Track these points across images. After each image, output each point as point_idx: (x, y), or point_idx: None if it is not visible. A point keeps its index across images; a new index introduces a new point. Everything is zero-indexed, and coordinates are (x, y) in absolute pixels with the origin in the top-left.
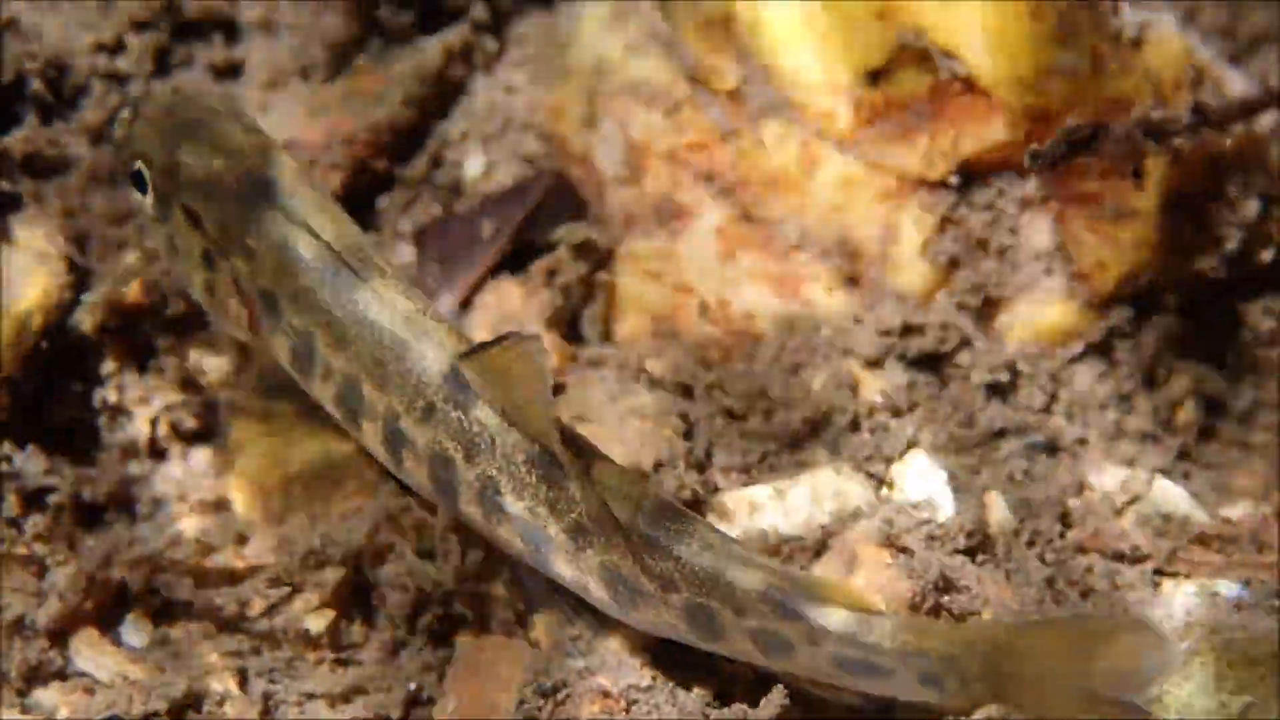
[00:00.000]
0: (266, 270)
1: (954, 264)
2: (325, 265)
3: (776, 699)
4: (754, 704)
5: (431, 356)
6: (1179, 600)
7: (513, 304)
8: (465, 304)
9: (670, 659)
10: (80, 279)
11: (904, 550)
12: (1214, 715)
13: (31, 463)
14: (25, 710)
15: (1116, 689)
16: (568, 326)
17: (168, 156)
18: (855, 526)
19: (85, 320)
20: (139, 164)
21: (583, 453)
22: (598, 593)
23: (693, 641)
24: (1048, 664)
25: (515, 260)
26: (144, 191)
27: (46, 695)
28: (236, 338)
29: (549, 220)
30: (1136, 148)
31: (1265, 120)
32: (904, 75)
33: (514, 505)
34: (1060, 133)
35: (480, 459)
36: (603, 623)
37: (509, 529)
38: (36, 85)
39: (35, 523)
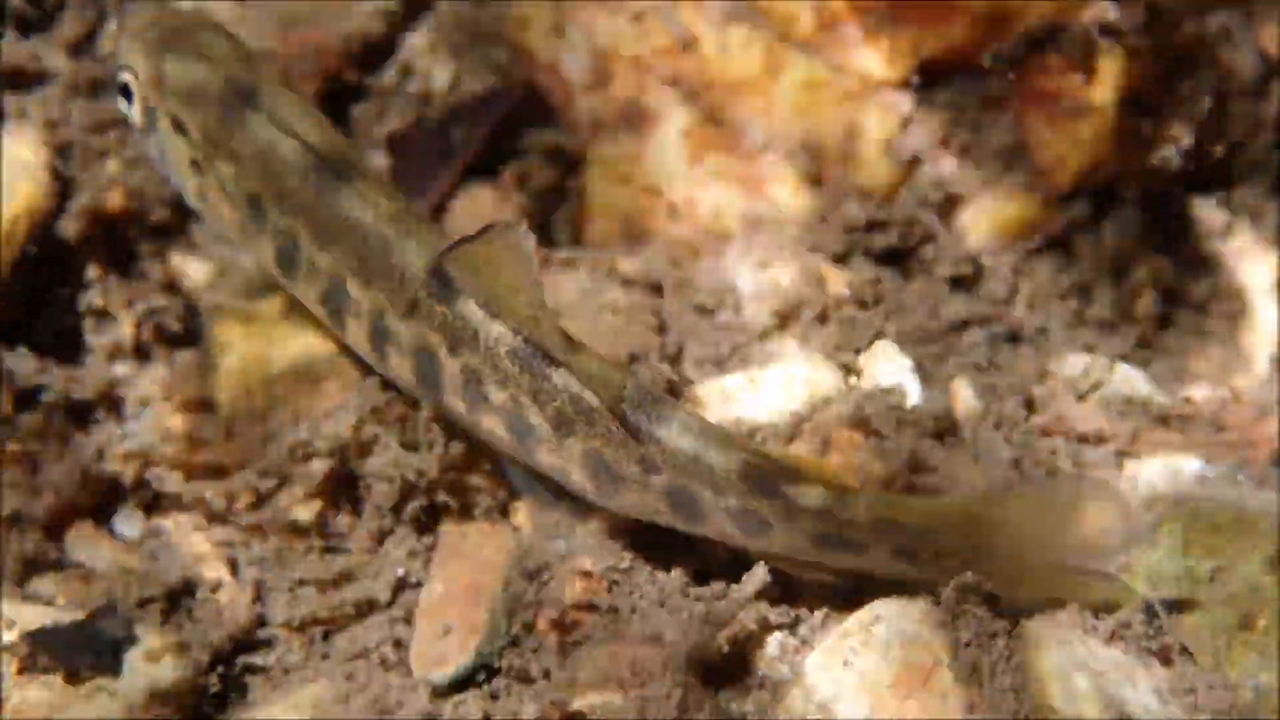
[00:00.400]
0: (252, 174)
1: (916, 162)
2: (309, 167)
3: (759, 574)
4: (732, 583)
5: (415, 253)
6: (1143, 476)
7: (485, 208)
8: (438, 210)
9: (649, 542)
10: (64, 188)
11: (875, 433)
12: (1183, 578)
13: (23, 363)
14: (25, 600)
15: (1086, 557)
16: (539, 230)
17: (153, 68)
18: (827, 411)
19: (70, 227)
20: (125, 76)
21: (564, 342)
22: (580, 479)
23: (674, 523)
24: (1019, 535)
25: (487, 167)
26: (130, 102)
27: (44, 585)
28: (227, 240)
29: (519, 127)
30: (1092, 46)
31: (1216, 19)
32: None
33: (497, 396)
34: (1019, 34)
35: (464, 351)
36: (583, 508)
37: (493, 420)
38: (15, 0)
39: (28, 420)
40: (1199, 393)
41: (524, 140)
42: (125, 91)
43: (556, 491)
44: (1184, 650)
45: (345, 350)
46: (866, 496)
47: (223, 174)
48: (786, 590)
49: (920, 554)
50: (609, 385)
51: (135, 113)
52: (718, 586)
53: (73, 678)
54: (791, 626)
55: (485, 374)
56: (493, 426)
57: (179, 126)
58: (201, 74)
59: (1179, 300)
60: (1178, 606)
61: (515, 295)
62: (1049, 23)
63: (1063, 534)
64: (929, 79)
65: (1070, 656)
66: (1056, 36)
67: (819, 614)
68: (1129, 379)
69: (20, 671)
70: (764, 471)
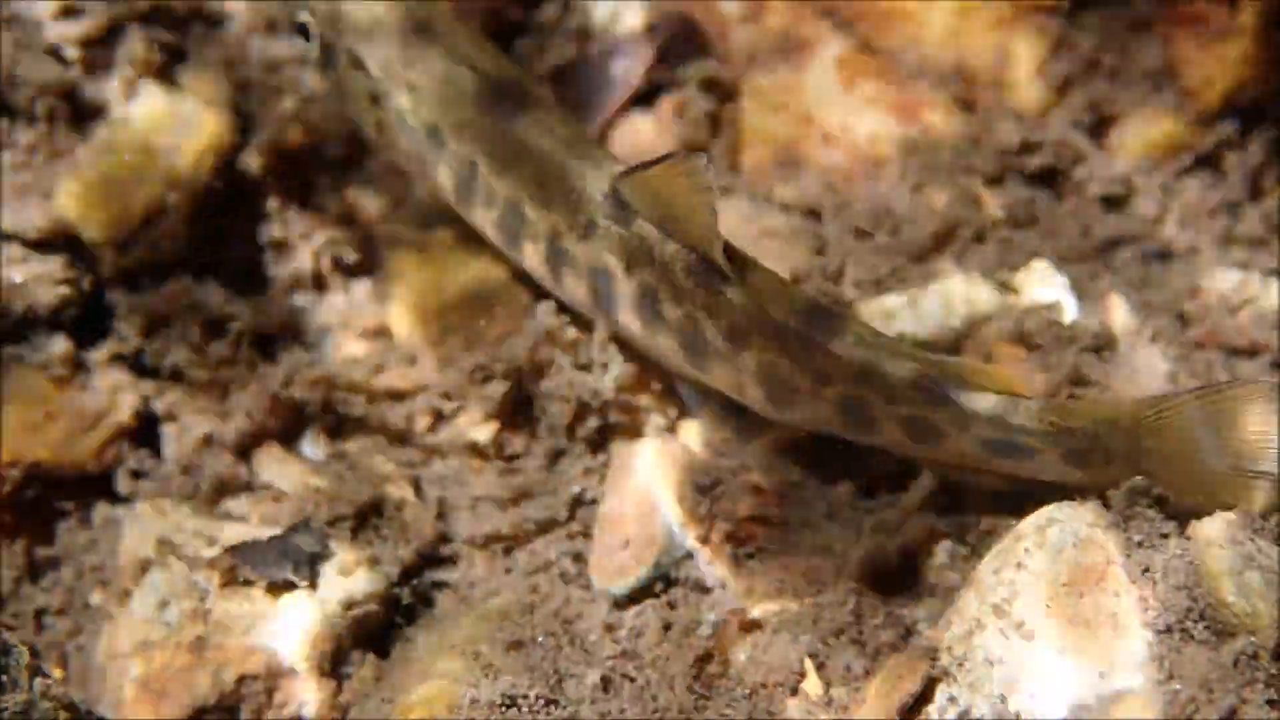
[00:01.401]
0: (430, 104)
1: (1067, 84)
2: (486, 96)
3: (925, 483)
4: (900, 490)
5: (591, 176)
6: None
7: (646, 138)
8: (600, 140)
9: (818, 457)
10: (245, 123)
11: (1036, 347)
12: None
13: (211, 295)
14: (221, 518)
15: (1252, 460)
16: None
17: (331, 6)
18: (988, 327)
19: (253, 161)
20: (303, 15)
21: (736, 259)
22: (754, 392)
23: (846, 433)
24: (1187, 436)
25: (646, 98)
26: (309, 40)
27: (237, 505)
28: (404, 169)
29: (676, 60)
30: None
31: None
32: None
33: (672, 312)
34: None
35: (640, 270)
36: (752, 426)
37: (668, 335)
38: None
39: (217, 349)
40: None
41: (681, 71)
42: (303, 30)
43: (726, 408)
44: None
45: (517, 277)
46: (1037, 402)
47: (401, 106)
48: (954, 499)
49: (1090, 458)
50: (781, 300)
51: (314, 50)
52: (886, 499)
53: (273, 589)
54: (959, 535)
55: (661, 291)
56: (668, 342)
57: (357, 62)
58: (378, 10)
59: None
60: None
61: (690, 219)
62: None
63: (1227, 438)
64: (1078, 2)
65: (1241, 553)
66: None
67: (986, 522)
68: None
69: (224, 585)
70: (936, 379)
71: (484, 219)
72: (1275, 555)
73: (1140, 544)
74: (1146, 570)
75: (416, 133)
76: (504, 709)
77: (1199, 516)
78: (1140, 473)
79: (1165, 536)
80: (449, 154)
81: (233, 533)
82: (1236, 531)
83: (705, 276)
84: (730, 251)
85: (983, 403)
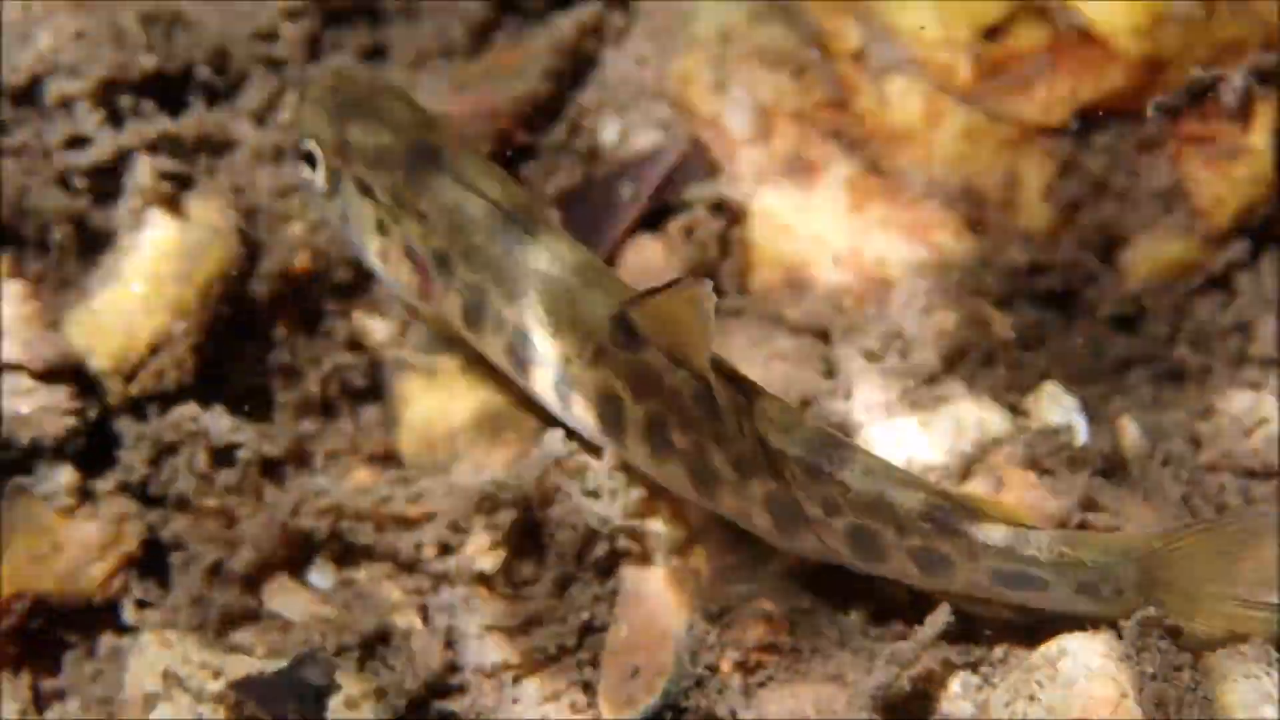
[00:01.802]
0: (439, 231)
1: (1076, 205)
2: (495, 223)
3: (943, 615)
4: (910, 625)
5: (600, 303)
6: None
7: (654, 260)
8: (609, 263)
9: (829, 584)
10: (252, 250)
11: (1047, 472)
12: None
13: (219, 421)
14: (228, 650)
15: (1263, 589)
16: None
17: (337, 134)
18: (998, 452)
19: (260, 288)
20: (310, 143)
21: (744, 389)
22: (761, 521)
23: (854, 564)
24: (1199, 568)
25: (654, 220)
26: (315, 168)
27: (244, 636)
28: (408, 300)
29: (684, 181)
30: (1251, 94)
31: None
32: (1021, 29)
33: (680, 440)
34: (1185, 83)
35: (648, 397)
36: (761, 552)
37: (674, 464)
38: (203, 73)
39: (225, 477)
40: None
41: (689, 193)
42: (309, 158)
43: (736, 535)
44: None
45: (523, 403)
46: (1048, 533)
47: (410, 233)
48: (967, 629)
49: (1101, 589)
50: (790, 428)
51: (320, 178)
52: (898, 628)
53: None
54: (974, 665)
55: (669, 419)
56: (674, 471)
57: (365, 189)
58: (386, 138)
59: None
60: None
61: (696, 345)
62: (1212, 74)
63: (1241, 568)
64: (1086, 124)
65: (1256, 689)
66: (1218, 85)
67: (999, 650)
68: None
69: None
70: (946, 510)
71: (493, 345)
72: None
73: (1153, 676)
74: (1160, 704)
75: (426, 260)
76: None
77: (1212, 649)
78: (1151, 603)
79: (1179, 669)
80: (458, 281)
81: (238, 665)
82: (1251, 666)
83: (711, 406)
84: (738, 380)
85: (994, 534)
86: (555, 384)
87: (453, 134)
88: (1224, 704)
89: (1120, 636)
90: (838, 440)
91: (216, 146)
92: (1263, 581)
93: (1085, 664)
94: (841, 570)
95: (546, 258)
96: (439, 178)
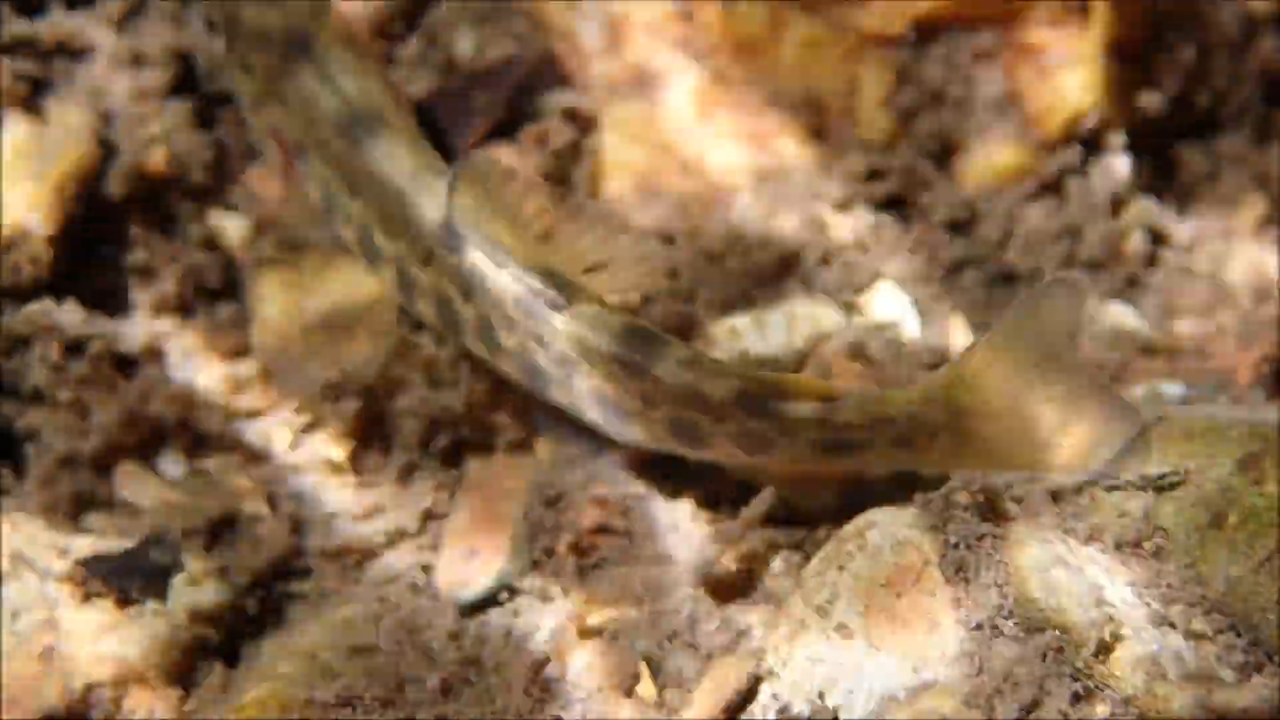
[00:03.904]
0: (298, 121)
1: (913, 114)
2: (343, 120)
3: (767, 497)
4: (741, 504)
5: (430, 206)
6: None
7: None
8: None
9: (663, 471)
10: (108, 152)
11: (874, 363)
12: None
13: (70, 315)
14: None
15: (1066, 354)
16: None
17: (233, 9)
18: (829, 344)
19: (115, 186)
20: (213, 11)
21: (567, 287)
22: (591, 414)
23: (680, 450)
24: (998, 371)
25: (508, 130)
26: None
27: (94, 521)
28: (277, 178)
29: (537, 92)
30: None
31: None
32: None
33: (508, 340)
34: None
35: (475, 300)
36: (601, 442)
37: (507, 362)
38: None
39: (77, 369)
40: (1185, 327)
41: (542, 103)
42: (211, 26)
43: (576, 426)
44: (1158, 550)
45: (376, 301)
46: (855, 398)
47: (276, 117)
48: (793, 513)
49: (916, 439)
50: (608, 326)
51: (219, 48)
52: (726, 511)
53: (123, 601)
54: (797, 544)
55: (496, 321)
56: (508, 368)
57: (247, 67)
58: (271, 19)
59: (1166, 241)
60: (1151, 509)
61: (519, 233)
62: None
63: (1035, 351)
64: (922, 35)
65: (1050, 553)
66: None
67: (822, 531)
68: (1118, 314)
69: (74, 596)
70: (757, 394)
71: (347, 235)
72: (1083, 554)
73: (956, 545)
74: (960, 570)
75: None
76: (339, 708)
77: (1011, 517)
78: (966, 444)
79: (980, 538)
80: (314, 171)
81: (86, 546)
82: (1047, 532)
83: (532, 307)
84: (563, 278)
85: (805, 409)
86: (397, 280)
87: (335, 27)
88: (1019, 567)
89: (928, 508)
90: (653, 335)
91: (74, 52)
92: (1056, 348)
93: (892, 534)
94: (675, 458)
95: (387, 159)
96: (305, 67)
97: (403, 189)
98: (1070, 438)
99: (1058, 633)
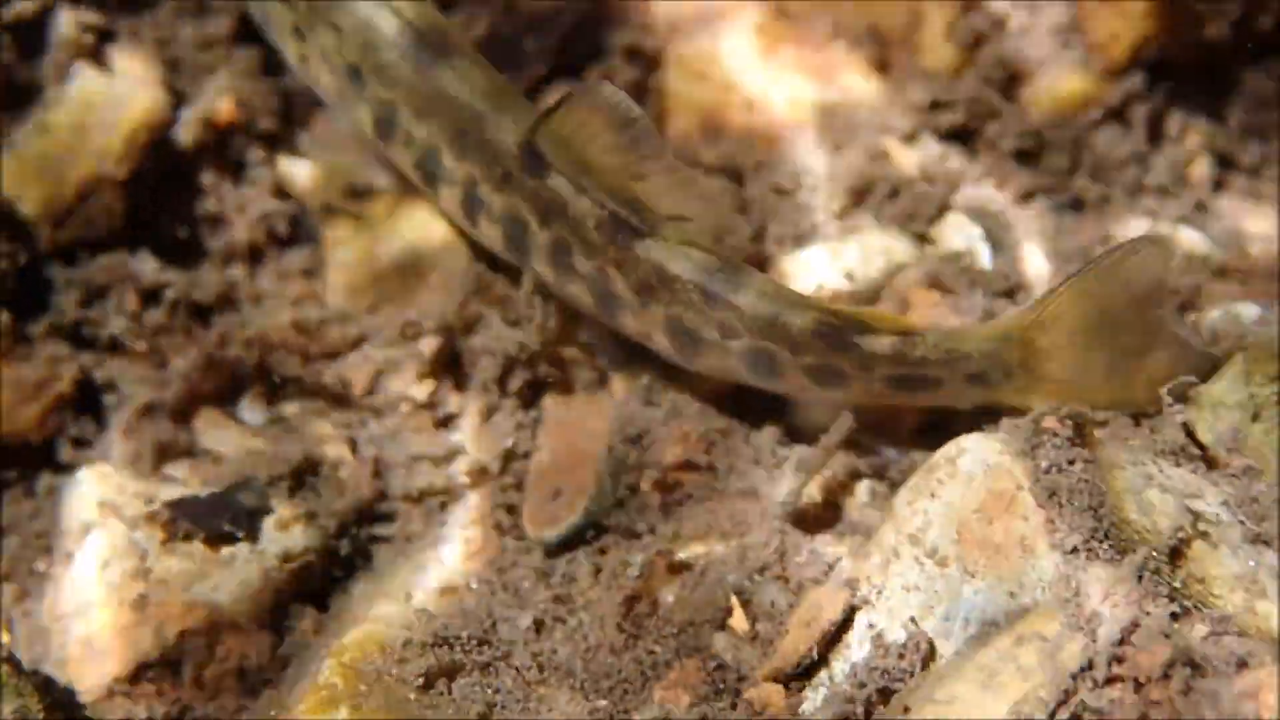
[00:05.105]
0: (351, 45)
1: (977, 43)
2: (407, 41)
3: (845, 423)
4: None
5: (508, 128)
6: (1206, 323)
7: None
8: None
9: (743, 404)
10: (177, 100)
11: (950, 292)
12: (1246, 404)
13: (146, 264)
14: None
15: (1146, 309)
16: None
17: None
18: (904, 275)
19: (185, 135)
20: None
21: (648, 214)
22: (663, 343)
23: (753, 382)
24: (1077, 316)
25: (573, 70)
26: None
27: (178, 469)
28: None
29: (599, 31)
30: None
31: None
32: None
33: (584, 265)
34: None
35: (553, 223)
36: (679, 378)
37: (578, 286)
38: None
39: (153, 317)
40: (1256, 248)
41: (605, 42)
42: None
43: (645, 361)
44: (1248, 468)
45: (449, 245)
46: (932, 334)
47: (325, 44)
48: (874, 438)
49: (990, 376)
50: (690, 255)
51: None
52: (808, 443)
53: (214, 542)
54: (879, 473)
55: (573, 244)
56: (578, 293)
57: None
58: None
59: (1232, 166)
60: (1241, 431)
61: (604, 163)
62: None
63: (1114, 302)
64: None
65: (1142, 474)
66: None
67: (906, 458)
68: (1189, 239)
69: (164, 541)
70: (836, 327)
71: (402, 160)
72: (1173, 475)
73: (1047, 470)
74: (1053, 494)
75: (339, 71)
76: (436, 649)
77: (1100, 441)
78: (1042, 381)
79: (1071, 462)
80: (370, 95)
81: (173, 493)
82: (1138, 454)
83: (614, 232)
84: (643, 205)
85: (882, 343)
86: (462, 202)
87: None
88: (1113, 489)
89: (1016, 434)
90: (735, 265)
91: (138, 2)
92: (1136, 301)
93: (983, 460)
94: (756, 391)
95: (456, 80)
96: None
97: (481, 111)
98: (1145, 384)
99: (1154, 552)
